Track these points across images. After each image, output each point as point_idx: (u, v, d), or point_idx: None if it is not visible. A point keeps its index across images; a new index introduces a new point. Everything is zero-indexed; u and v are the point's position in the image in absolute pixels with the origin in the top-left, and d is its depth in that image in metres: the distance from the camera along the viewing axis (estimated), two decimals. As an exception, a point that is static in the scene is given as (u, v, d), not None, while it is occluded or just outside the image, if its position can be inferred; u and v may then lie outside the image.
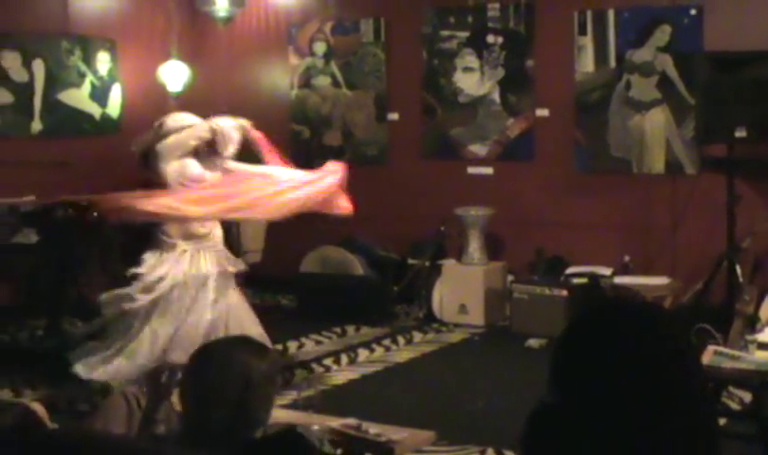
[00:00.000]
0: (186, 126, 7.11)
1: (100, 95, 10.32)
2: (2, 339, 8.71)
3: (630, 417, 2.12)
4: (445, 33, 9.94)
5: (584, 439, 2.16)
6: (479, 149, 9.87)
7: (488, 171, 9.84)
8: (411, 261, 9.68)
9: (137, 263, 7.14)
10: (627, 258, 8.98)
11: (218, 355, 3.15)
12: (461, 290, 9.13)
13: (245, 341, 3.41)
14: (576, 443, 2.17)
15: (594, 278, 8.74)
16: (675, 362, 2.19)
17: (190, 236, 7.11)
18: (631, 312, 2.31)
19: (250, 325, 7.09)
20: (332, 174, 7.26)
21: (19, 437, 3.13)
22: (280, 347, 8.34)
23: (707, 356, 5.32)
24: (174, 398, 3.45)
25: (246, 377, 3.05)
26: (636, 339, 2.18)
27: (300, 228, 10.36)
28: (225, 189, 7.13)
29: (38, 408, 3.76)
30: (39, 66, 9.78)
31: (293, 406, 6.58)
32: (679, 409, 2.15)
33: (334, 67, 10.58)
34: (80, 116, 10.16)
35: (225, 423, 2.99)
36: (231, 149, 7.18)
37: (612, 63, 9.16)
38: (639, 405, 2.13)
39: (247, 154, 7.41)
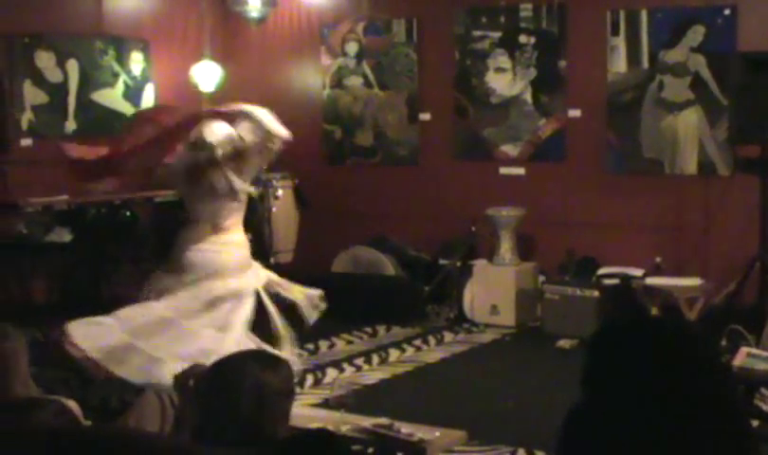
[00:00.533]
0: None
1: (133, 95, 10.37)
2: (36, 338, 8.77)
3: (662, 418, 2.13)
4: (477, 33, 9.94)
5: (618, 439, 2.17)
6: (511, 149, 9.86)
7: (520, 171, 9.83)
8: (442, 261, 9.68)
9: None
10: (658, 259, 8.96)
11: (230, 370, 3.11)
12: (492, 290, 9.13)
13: (257, 355, 3.34)
14: (611, 442, 2.18)
15: (625, 279, 8.71)
16: (704, 367, 2.20)
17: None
18: (658, 322, 2.33)
19: None
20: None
21: (54, 434, 3.15)
22: (311, 346, 8.38)
23: (740, 358, 5.30)
24: None
25: (258, 392, 3.01)
26: (666, 344, 2.19)
27: (331, 228, 10.43)
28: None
29: (72, 405, 3.79)
30: (73, 66, 9.85)
31: (325, 405, 6.61)
32: (709, 411, 2.16)
33: (366, 68, 10.60)
34: (113, 116, 10.21)
35: (238, 438, 2.96)
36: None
37: (645, 63, 9.13)
38: (670, 407, 2.14)
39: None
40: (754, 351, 5.45)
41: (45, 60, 9.62)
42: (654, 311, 8.16)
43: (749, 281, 8.02)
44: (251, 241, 9.79)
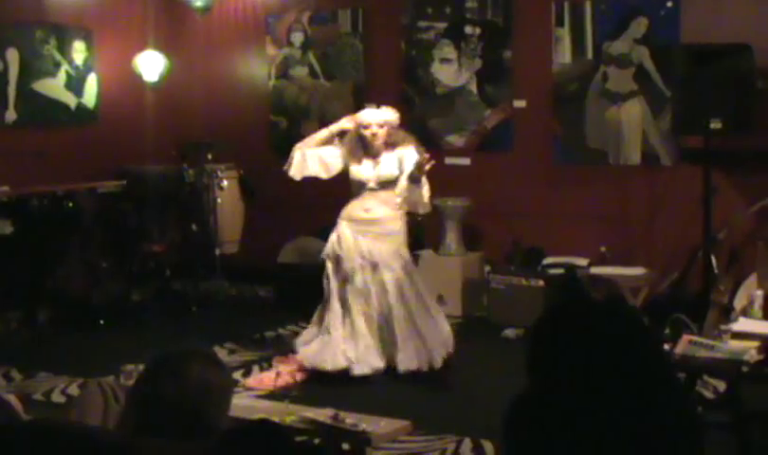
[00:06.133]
0: None
1: (75, 85, 10.26)
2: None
3: (607, 403, 2.15)
4: (422, 24, 9.93)
5: (563, 425, 2.18)
6: (456, 140, 9.87)
7: (466, 161, 9.84)
8: (388, 251, 9.65)
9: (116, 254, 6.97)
10: (603, 248, 9.01)
11: (172, 368, 3.04)
12: (438, 280, 9.12)
13: (197, 352, 3.27)
14: (556, 428, 2.19)
15: (570, 268, 8.76)
16: (640, 352, 2.21)
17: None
18: (600, 307, 2.34)
19: None
20: None
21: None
22: (257, 336, 8.36)
23: (682, 346, 5.34)
24: None
25: (203, 390, 2.97)
26: (604, 332, 2.21)
27: (277, 219, 10.38)
28: None
29: (12, 399, 3.74)
30: (13, 55, 9.70)
31: (271, 396, 6.60)
32: (649, 396, 2.17)
33: (311, 58, 10.56)
34: (55, 105, 10.10)
35: (179, 434, 2.92)
36: None
37: (590, 54, 9.17)
38: (615, 392, 2.15)
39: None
40: (696, 339, 5.49)
41: (-17, 49, 9.50)
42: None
43: (693, 270, 8.10)
44: (196, 232, 9.76)
